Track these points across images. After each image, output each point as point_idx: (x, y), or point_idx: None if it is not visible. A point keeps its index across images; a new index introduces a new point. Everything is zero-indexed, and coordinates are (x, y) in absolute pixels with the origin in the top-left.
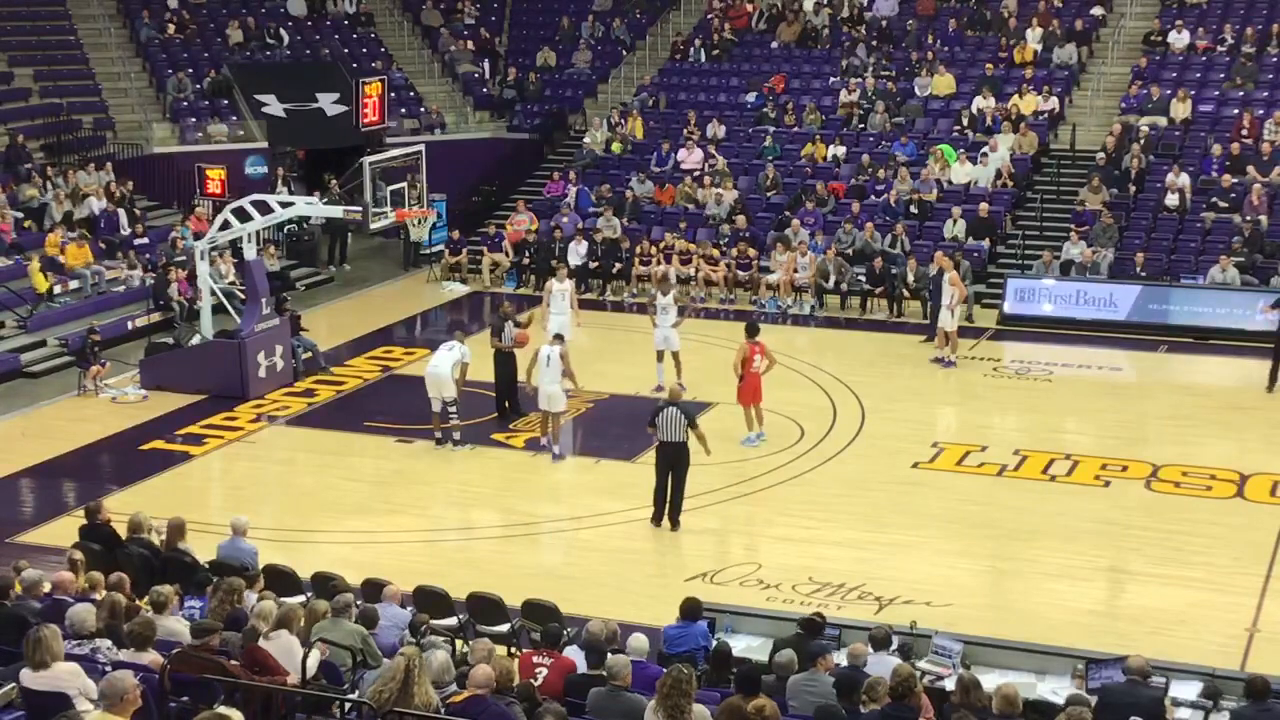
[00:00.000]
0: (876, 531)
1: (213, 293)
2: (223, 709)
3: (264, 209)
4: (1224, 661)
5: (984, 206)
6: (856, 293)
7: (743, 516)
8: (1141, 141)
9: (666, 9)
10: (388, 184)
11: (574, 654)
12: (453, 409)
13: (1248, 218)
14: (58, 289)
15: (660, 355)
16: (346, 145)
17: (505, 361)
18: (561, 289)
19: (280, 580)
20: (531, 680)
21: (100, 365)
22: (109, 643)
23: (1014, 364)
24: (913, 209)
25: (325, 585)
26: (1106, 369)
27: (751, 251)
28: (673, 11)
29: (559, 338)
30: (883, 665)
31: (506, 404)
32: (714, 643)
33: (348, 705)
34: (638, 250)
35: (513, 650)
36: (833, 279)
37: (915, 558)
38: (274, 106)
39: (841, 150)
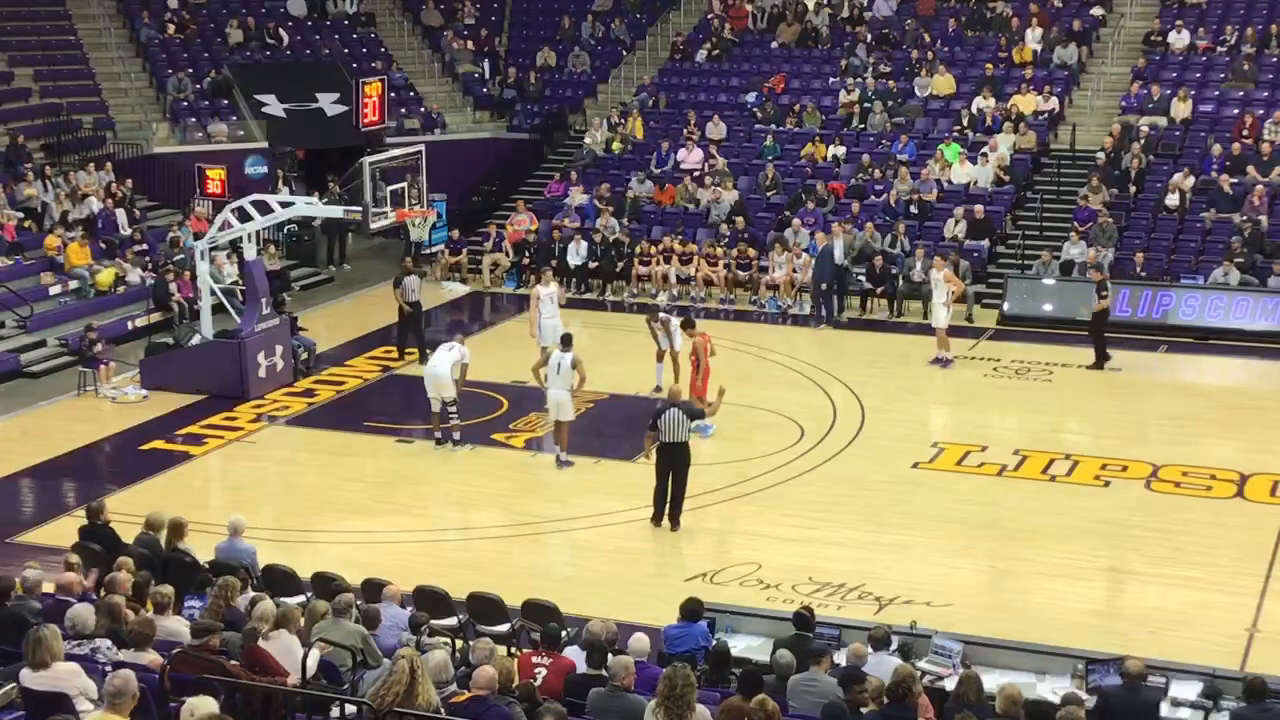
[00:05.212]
0: (876, 531)
1: (212, 293)
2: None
3: (264, 209)
4: (1224, 661)
5: (981, 207)
6: (856, 293)
7: (743, 516)
8: (1141, 141)
9: (666, 9)
10: (388, 184)
11: (574, 654)
12: (452, 409)
13: (1248, 218)
14: (57, 289)
15: (660, 356)
16: (346, 145)
17: (404, 312)
18: (549, 293)
19: (280, 580)
20: (531, 680)
21: (106, 364)
22: (109, 643)
23: (1014, 364)
24: (913, 209)
25: (325, 585)
26: (1106, 369)
27: (751, 251)
28: (673, 11)
29: (567, 342)
30: (883, 665)
31: (408, 352)
32: (714, 643)
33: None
34: (637, 250)
35: (512, 650)
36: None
37: (915, 558)
38: (274, 106)
39: (841, 150)
